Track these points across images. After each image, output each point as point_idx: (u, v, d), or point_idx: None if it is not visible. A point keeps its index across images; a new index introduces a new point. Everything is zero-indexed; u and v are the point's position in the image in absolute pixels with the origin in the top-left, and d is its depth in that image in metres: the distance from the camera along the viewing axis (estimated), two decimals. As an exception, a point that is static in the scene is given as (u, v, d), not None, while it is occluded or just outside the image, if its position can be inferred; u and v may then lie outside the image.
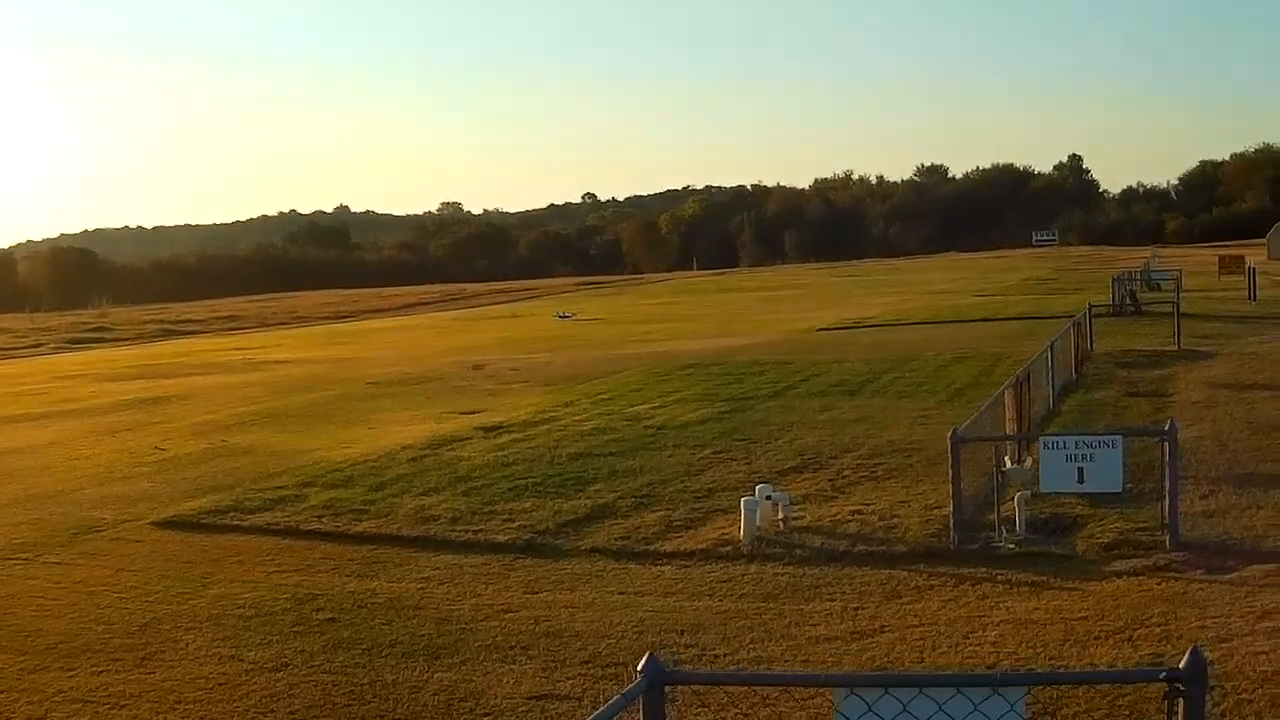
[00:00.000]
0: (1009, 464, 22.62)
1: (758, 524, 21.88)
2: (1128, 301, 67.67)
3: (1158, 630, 15.98)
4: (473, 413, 39.61)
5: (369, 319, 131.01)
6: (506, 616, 18.11)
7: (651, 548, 21.57)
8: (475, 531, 23.18)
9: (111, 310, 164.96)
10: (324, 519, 24.78)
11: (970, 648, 15.87)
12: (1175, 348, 46.75)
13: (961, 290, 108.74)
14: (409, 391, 47.62)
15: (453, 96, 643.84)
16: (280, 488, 28.00)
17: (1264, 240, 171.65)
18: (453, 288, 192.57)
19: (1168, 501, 19.80)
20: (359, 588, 20.08)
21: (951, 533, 20.74)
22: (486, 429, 35.34)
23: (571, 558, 21.33)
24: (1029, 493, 21.01)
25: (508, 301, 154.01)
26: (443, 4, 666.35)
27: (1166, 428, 20.04)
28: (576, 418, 37.18)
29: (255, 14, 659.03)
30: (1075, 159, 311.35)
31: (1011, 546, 20.28)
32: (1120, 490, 20.28)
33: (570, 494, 25.96)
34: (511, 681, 15.48)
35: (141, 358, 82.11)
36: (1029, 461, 21.83)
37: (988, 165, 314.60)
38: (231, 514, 25.97)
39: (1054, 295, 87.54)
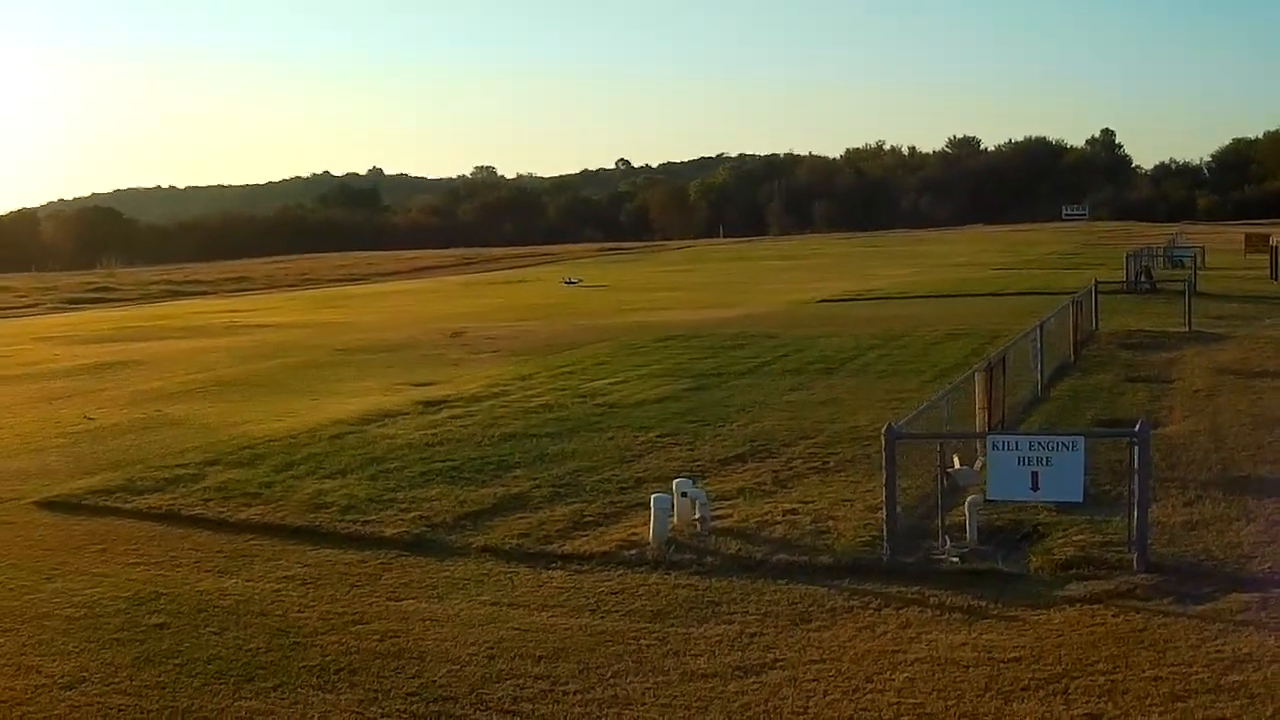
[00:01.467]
0: (957, 464, 19.72)
1: (671, 524, 19.37)
2: (1143, 279, 64.75)
3: (1101, 680, 13.14)
4: (425, 384, 37.99)
5: (380, 282, 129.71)
6: (353, 629, 15.83)
7: (549, 548, 19.26)
8: (365, 523, 21.14)
9: (119, 271, 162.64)
10: (211, 503, 22.92)
11: (869, 695, 13.11)
12: (1186, 329, 43.97)
13: (979, 263, 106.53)
14: (374, 360, 45.98)
15: (489, 61, 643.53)
16: (182, 466, 26.21)
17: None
18: (470, 252, 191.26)
19: (1136, 515, 16.83)
20: (211, 586, 17.92)
21: (884, 544, 17.73)
22: (428, 403, 33.60)
23: (458, 557, 19.12)
24: (981, 497, 17.92)
25: (522, 267, 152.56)
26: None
27: (1136, 428, 17.01)
28: (528, 393, 35.23)
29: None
30: (1108, 134, 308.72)
31: (955, 560, 17.46)
32: (1080, 500, 17.30)
33: (485, 480, 23.87)
34: (317, 716, 13.16)
35: (127, 320, 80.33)
36: (979, 462, 18.75)
37: (1020, 138, 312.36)
38: (118, 494, 23.99)
39: (1072, 271, 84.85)
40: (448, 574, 18.19)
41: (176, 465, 26.29)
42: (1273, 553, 17.21)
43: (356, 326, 64.32)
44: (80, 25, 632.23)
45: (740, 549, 18.57)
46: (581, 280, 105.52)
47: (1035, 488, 16.85)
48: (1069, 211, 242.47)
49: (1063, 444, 16.80)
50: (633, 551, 18.70)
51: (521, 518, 20.95)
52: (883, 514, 18.39)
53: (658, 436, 27.72)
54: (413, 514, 21.38)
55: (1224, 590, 15.88)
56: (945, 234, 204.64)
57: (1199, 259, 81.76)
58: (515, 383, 37.37)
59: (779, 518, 20.23)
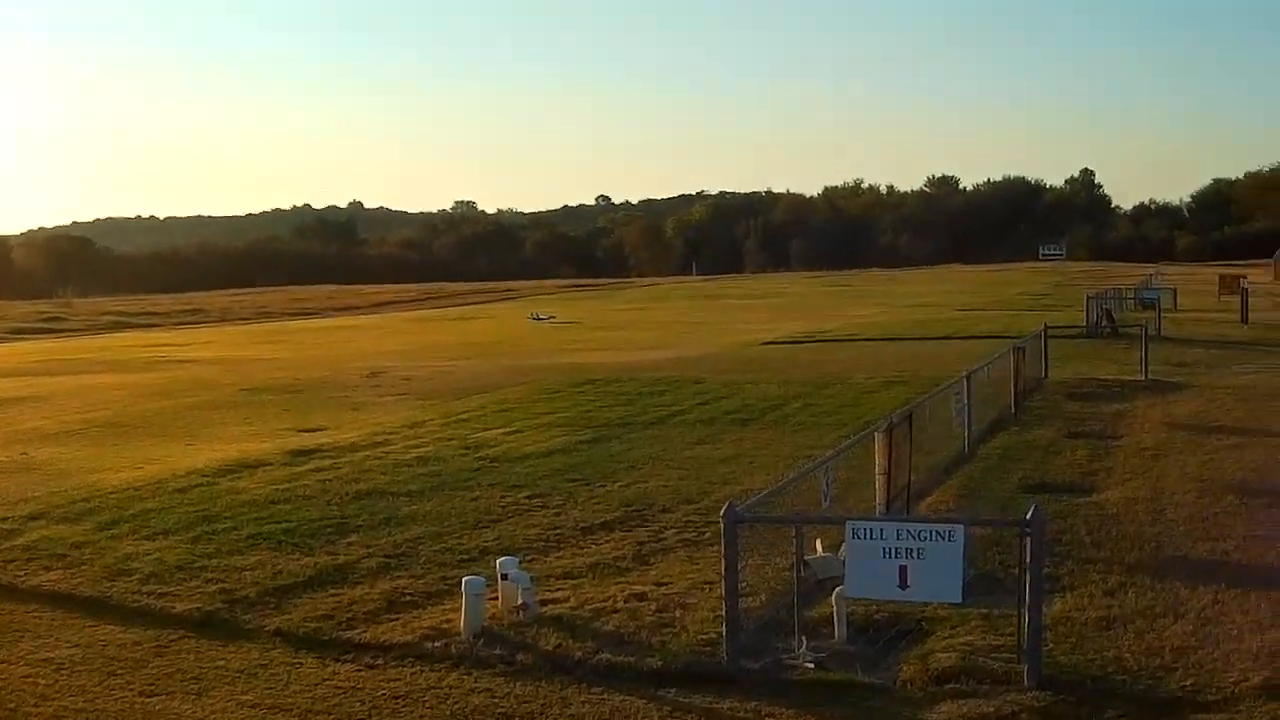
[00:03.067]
0: (819, 549, 16.51)
1: (483, 615, 16.33)
2: (1103, 322, 61.85)
3: None
4: (312, 430, 35.70)
5: (332, 317, 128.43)
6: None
7: (348, 634, 16.40)
8: (161, 595, 18.48)
9: (76, 301, 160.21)
10: (11, 565, 20.57)
11: None
12: (1142, 377, 40.98)
13: (946, 304, 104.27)
14: (275, 402, 43.68)
15: (470, 96, 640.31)
16: (4, 520, 23.88)
17: (1272, 260, 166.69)
18: (431, 287, 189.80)
19: (1028, 621, 13.59)
20: (-44, 669, 15.04)
21: (724, 646, 14.48)
22: (299, 453, 31.17)
23: (245, 641, 16.40)
24: (850, 589, 14.75)
25: (484, 303, 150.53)
26: (465, 5, 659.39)
27: (1029, 515, 13.75)
28: (410, 443, 32.62)
29: (276, 11, 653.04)
30: (1088, 174, 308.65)
31: (809, 666, 14.23)
32: (959, 600, 13.98)
33: (314, 547, 21.17)
34: None
35: (56, 352, 78.50)
36: (845, 548, 15.41)
37: (999, 177, 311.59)
38: (-83, 550, 21.17)
39: (1039, 312, 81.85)
40: (223, 663, 15.55)
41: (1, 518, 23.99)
42: (1198, 662, 14.09)
43: (280, 363, 62.05)
44: (66, 54, 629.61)
45: (560, 645, 15.53)
46: (554, 317, 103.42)
47: (904, 584, 13.65)
48: (1046, 251, 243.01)
49: (937, 533, 13.61)
50: (439, 643, 15.76)
51: (334, 594, 18.26)
52: (752, 601, 15.80)
53: (527, 497, 24.93)
54: (216, 586, 18.79)
55: (1132, 713, 12.90)
56: (918, 273, 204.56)
57: (1170, 300, 79.26)
58: (402, 431, 34.86)
59: (621, 604, 17.25)
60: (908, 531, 13.76)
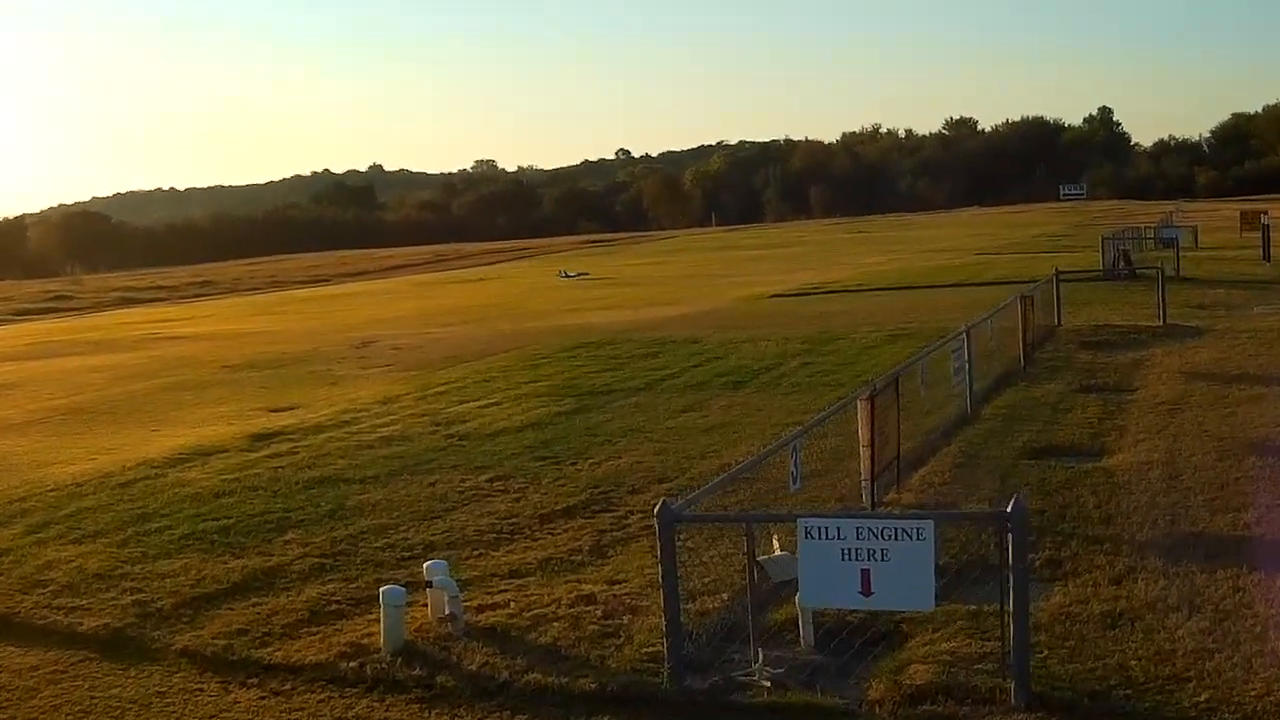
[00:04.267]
0: (776, 547, 14.57)
1: (407, 628, 14.66)
2: (1120, 264, 59.65)
3: None
4: (283, 409, 34.19)
5: (342, 284, 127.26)
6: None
7: (260, 653, 14.68)
8: (71, 610, 16.78)
9: (85, 278, 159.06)
10: None
11: None
12: (1160, 322, 38.92)
13: (963, 248, 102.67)
14: (253, 379, 42.28)
15: (489, 53, 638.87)
16: None
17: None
18: (445, 248, 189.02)
19: (1013, 631, 11.62)
20: None
21: (666, 665, 12.55)
22: (260, 436, 29.57)
23: (148, 664, 14.71)
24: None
25: (498, 263, 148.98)
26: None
27: (1009, 507, 11.74)
28: (380, 420, 30.95)
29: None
30: (1106, 111, 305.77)
31: (765, 684, 12.26)
32: (930, 608, 11.97)
33: (246, 547, 19.47)
34: None
35: (52, 333, 76.90)
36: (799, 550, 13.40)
37: (1017, 118, 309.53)
38: None
39: (1057, 254, 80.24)
40: (117, 690, 13.88)
41: (-82, 525, 22.14)
42: (1215, 670, 12.14)
43: (272, 336, 60.71)
44: (77, 26, 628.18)
45: (487, 663, 13.69)
46: (586, 274, 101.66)
47: (866, 591, 11.68)
48: (1067, 191, 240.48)
49: (904, 531, 11.61)
50: (355, 663, 13.97)
51: (256, 603, 16.54)
52: (712, 601, 14.32)
53: (489, 480, 23.11)
54: (131, 598, 17.05)
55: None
56: (939, 217, 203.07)
57: (1191, 239, 77.08)
58: (374, 407, 33.15)
59: (565, 609, 15.39)
60: (869, 530, 11.76)
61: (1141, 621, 13.52)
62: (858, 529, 11.76)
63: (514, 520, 19.99)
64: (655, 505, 13.01)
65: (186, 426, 32.37)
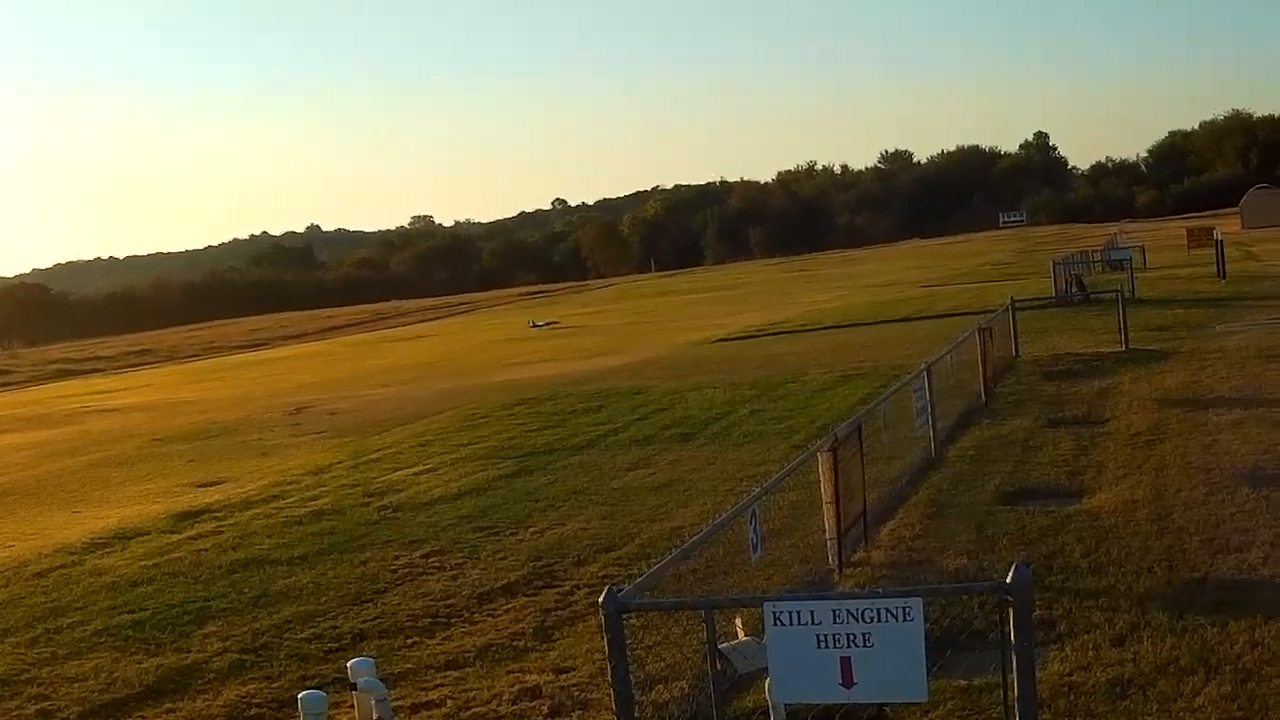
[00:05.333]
0: (740, 632, 12.97)
1: None
2: (1073, 289, 58.49)
3: None
4: (210, 484, 32.68)
5: (284, 346, 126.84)
6: None
7: None
8: None
9: (23, 351, 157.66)
10: None
11: None
12: (1122, 347, 37.47)
13: (908, 281, 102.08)
14: (183, 452, 40.66)
15: (421, 109, 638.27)
16: None
17: (1238, 209, 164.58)
18: (384, 307, 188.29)
19: (1018, 716, 9.93)
20: None
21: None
22: (185, 515, 28.04)
23: None
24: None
25: (439, 318, 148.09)
26: (408, 17, 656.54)
27: (1010, 576, 10.05)
28: (310, 493, 29.34)
29: (224, 44, 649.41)
30: (1041, 136, 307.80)
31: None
32: (924, 699, 10.26)
33: (163, 643, 18.02)
34: None
35: (-21, 411, 74.25)
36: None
37: (953, 148, 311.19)
38: None
39: (1003, 283, 79.50)
40: None
41: None
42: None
43: (205, 405, 59.17)
44: (10, 96, 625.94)
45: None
46: (555, 322, 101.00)
47: (848, 682, 9.97)
48: (1007, 218, 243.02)
49: (888, 611, 9.91)
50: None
51: (169, 710, 15.17)
52: (672, 689, 12.89)
53: (424, 556, 21.53)
54: (36, 707, 15.72)
55: None
56: (879, 251, 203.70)
57: (1139, 259, 76.17)
58: (306, 478, 31.62)
59: (507, 705, 13.92)
60: (848, 612, 10.04)
61: (1154, 689, 12.04)
62: (834, 611, 10.07)
63: (450, 601, 18.43)
64: (601, 586, 11.32)
65: (110, 506, 30.99)
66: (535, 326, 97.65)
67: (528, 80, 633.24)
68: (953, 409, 27.83)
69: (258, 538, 24.65)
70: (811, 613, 10.07)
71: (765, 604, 10.33)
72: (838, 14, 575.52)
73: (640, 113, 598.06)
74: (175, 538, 25.69)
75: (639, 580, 11.56)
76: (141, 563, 23.52)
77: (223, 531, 25.73)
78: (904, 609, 9.89)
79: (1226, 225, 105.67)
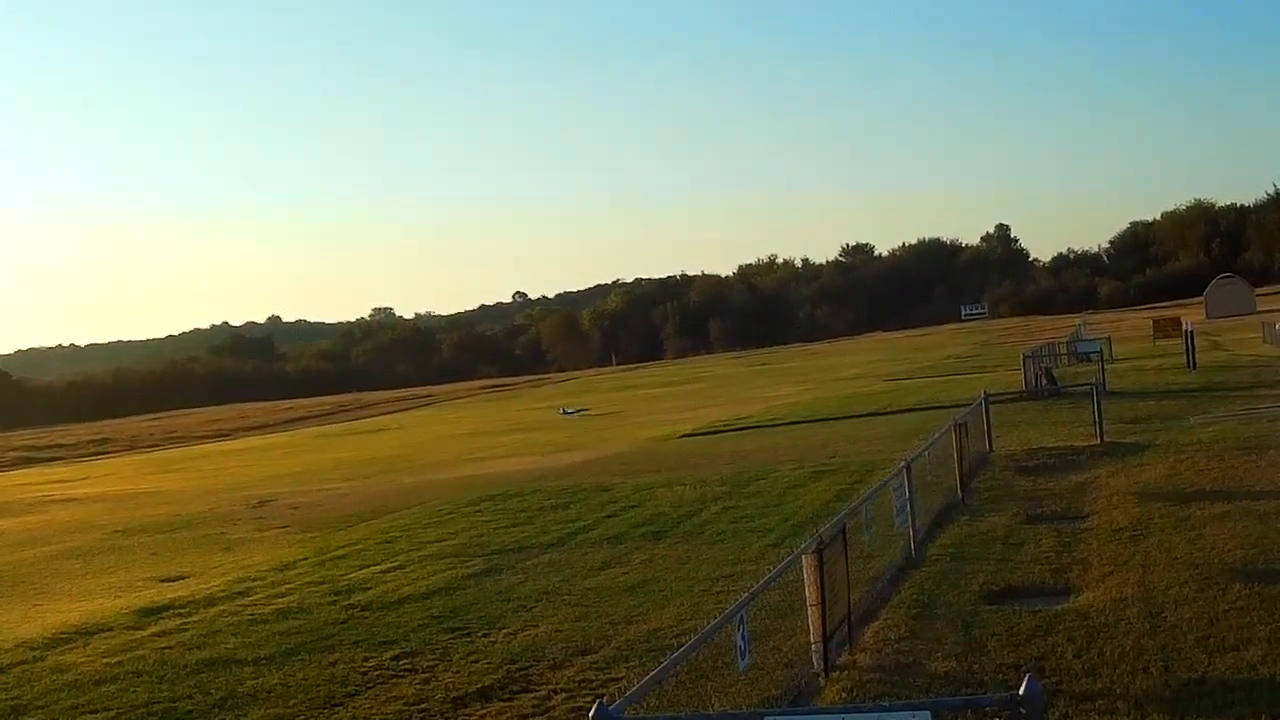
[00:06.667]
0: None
1: None
2: (1043, 381, 58.12)
3: None
4: (173, 579, 32.14)
5: (245, 437, 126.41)
6: None
7: None
8: None
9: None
10: None
11: None
12: (1097, 441, 37.15)
13: (872, 374, 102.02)
14: (146, 545, 40.02)
15: (382, 202, 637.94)
16: None
17: (1201, 299, 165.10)
18: (347, 398, 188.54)
19: None
20: None
21: None
22: (148, 611, 27.52)
23: None
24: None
25: (401, 410, 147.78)
26: (369, 107, 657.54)
27: (1023, 687, 9.59)
28: (275, 591, 28.58)
29: (188, 136, 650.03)
30: (1003, 228, 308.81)
31: None
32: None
33: None
34: None
35: (-58, 502, 73.52)
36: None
37: (914, 240, 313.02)
38: None
39: (969, 375, 79.30)
40: None
41: None
42: None
43: (167, 496, 58.88)
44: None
45: None
46: (585, 409, 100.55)
47: (854, 804, 9.47)
48: (969, 311, 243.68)
49: (895, 724, 9.43)
50: None
51: None
52: None
53: (394, 658, 20.80)
54: None
55: None
56: (840, 344, 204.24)
57: (1106, 349, 75.74)
58: (269, 575, 30.87)
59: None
60: (853, 726, 9.58)
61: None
62: (838, 725, 9.59)
63: (424, 706, 17.79)
64: (580, 691, 10.75)
65: (72, 600, 30.45)
66: (566, 414, 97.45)
67: (488, 173, 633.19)
68: (930, 506, 27.28)
69: (223, 636, 24.06)
70: (814, 726, 9.57)
71: (766, 718, 9.86)
72: (796, 106, 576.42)
73: (601, 206, 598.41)
74: (139, 634, 25.12)
75: (629, 693, 11.02)
76: (105, 660, 22.98)
77: (187, 629, 25.15)
78: (910, 722, 9.44)
79: (1190, 315, 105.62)
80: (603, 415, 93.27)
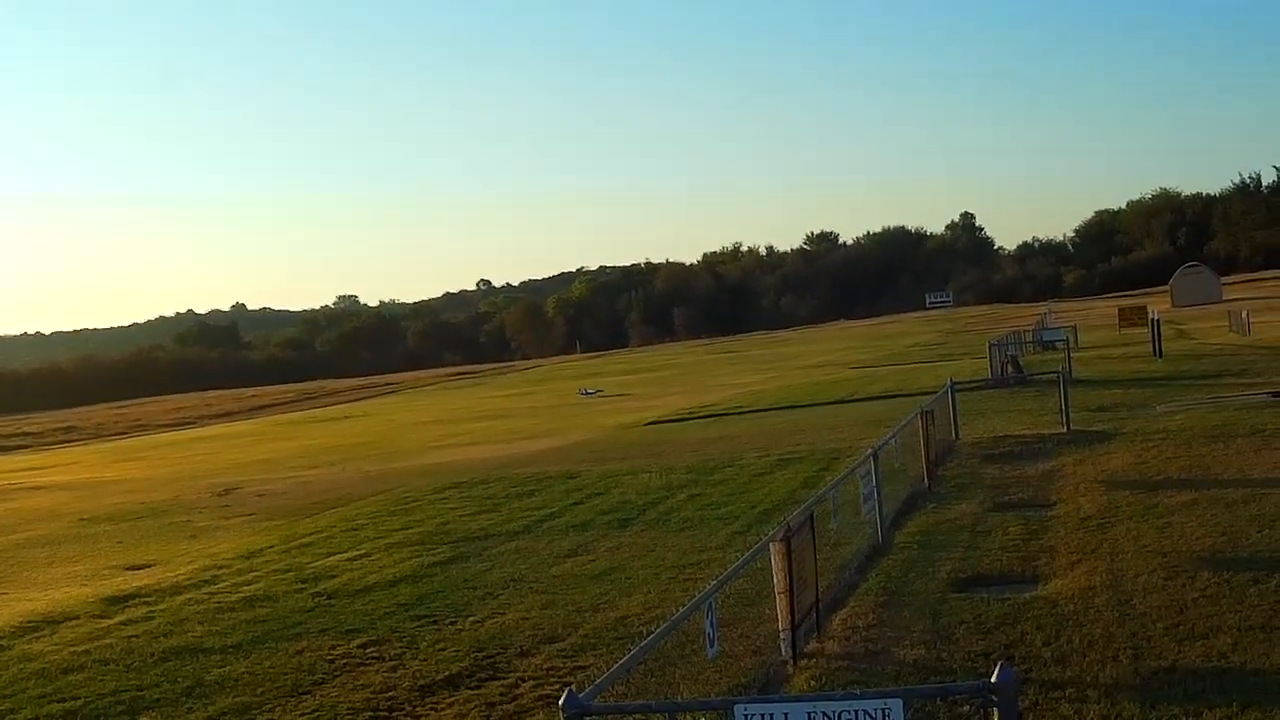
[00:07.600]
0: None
1: None
2: (1009, 370, 58.11)
3: None
4: (139, 567, 31.88)
5: (210, 425, 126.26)
6: None
7: None
8: None
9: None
10: None
11: None
12: (1064, 429, 37.11)
13: (837, 362, 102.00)
14: (110, 533, 39.82)
15: (346, 188, 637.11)
16: None
17: (1167, 287, 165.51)
18: (310, 386, 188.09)
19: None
20: None
21: None
22: (115, 599, 27.29)
23: None
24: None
25: (366, 398, 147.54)
26: (332, 96, 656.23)
27: (995, 675, 9.53)
28: (242, 578, 28.44)
29: (153, 122, 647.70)
30: (968, 217, 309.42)
31: None
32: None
33: None
34: None
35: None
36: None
37: (878, 229, 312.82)
38: None
39: (935, 364, 79.23)
40: None
41: None
42: None
43: (132, 485, 58.47)
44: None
45: None
46: (601, 390, 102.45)
47: (825, 792, 9.42)
48: (933, 299, 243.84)
49: (866, 713, 9.36)
50: None
51: None
52: None
53: (361, 646, 20.70)
54: None
55: None
56: (805, 332, 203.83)
57: (1071, 338, 75.69)
58: (236, 563, 30.67)
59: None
60: (824, 715, 9.52)
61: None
62: (809, 714, 9.53)
63: (391, 694, 17.67)
64: (547, 679, 10.66)
65: (38, 589, 30.19)
66: (585, 394, 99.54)
67: (453, 161, 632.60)
68: (896, 493, 27.27)
69: (190, 624, 23.93)
70: (785, 715, 9.54)
71: (736, 706, 9.81)
72: (761, 95, 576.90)
73: (565, 193, 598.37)
74: (106, 623, 24.97)
75: (598, 682, 10.95)
76: (71, 649, 22.86)
77: (154, 617, 24.99)
78: (884, 710, 9.41)
79: (1156, 303, 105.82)
80: (623, 396, 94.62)
